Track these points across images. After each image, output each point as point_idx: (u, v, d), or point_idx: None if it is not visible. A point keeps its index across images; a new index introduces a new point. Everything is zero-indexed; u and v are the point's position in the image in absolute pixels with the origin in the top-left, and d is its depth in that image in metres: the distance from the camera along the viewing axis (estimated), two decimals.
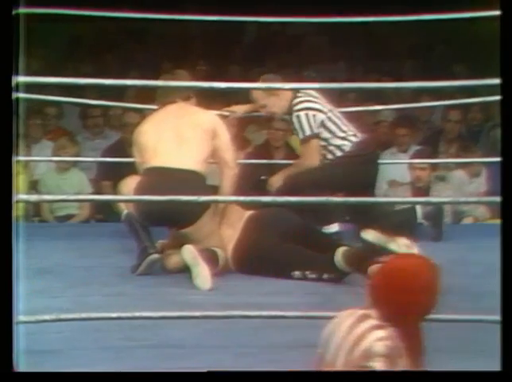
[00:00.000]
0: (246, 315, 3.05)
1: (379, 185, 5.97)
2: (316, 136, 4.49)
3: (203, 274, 3.81)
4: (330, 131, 4.52)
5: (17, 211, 5.62)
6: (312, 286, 3.84)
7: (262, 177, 5.85)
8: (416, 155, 5.77)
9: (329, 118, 4.53)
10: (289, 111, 4.56)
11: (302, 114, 4.48)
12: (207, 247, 3.99)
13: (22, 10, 3.01)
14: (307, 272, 3.92)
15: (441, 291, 2.15)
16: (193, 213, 3.98)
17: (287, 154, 5.79)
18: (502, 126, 2.68)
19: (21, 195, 2.81)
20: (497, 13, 2.74)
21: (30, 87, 3.86)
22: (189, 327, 3.16)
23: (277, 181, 4.58)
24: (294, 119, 4.51)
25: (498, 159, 2.73)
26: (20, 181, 5.62)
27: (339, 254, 3.85)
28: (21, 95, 3.25)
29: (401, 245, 3.72)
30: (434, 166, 5.78)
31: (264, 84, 4.27)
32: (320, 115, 4.50)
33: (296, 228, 4.16)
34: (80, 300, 3.56)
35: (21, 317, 2.79)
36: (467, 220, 5.82)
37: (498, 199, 2.68)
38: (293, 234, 4.11)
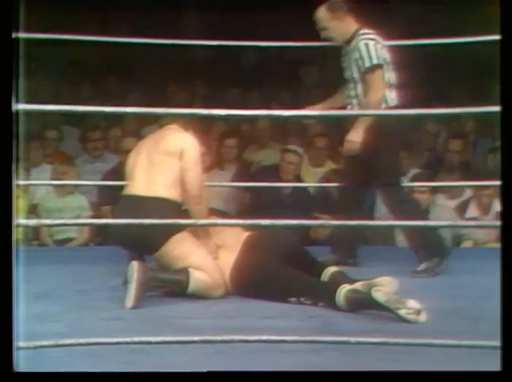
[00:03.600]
0: (245, 339, 3.04)
1: (378, 208, 6.00)
2: (383, 66, 4.45)
3: (128, 292, 3.85)
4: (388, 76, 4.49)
5: (17, 235, 5.64)
6: (311, 310, 3.82)
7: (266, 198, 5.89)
8: (416, 178, 5.78)
9: (388, 64, 4.51)
10: (349, 40, 4.51)
11: (371, 43, 4.44)
12: (179, 268, 4.00)
13: (22, 35, 3.02)
14: (302, 299, 3.89)
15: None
16: (156, 239, 3.98)
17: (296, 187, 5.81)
18: (502, 149, 2.68)
19: (20, 219, 2.80)
20: (496, 37, 2.75)
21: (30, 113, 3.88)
22: (187, 351, 3.15)
23: (357, 135, 4.45)
24: (362, 47, 4.43)
25: (498, 183, 2.73)
26: (19, 204, 5.63)
27: (342, 294, 3.76)
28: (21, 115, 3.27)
29: (411, 310, 3.58)
30: (434, 189, 5.79)
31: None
32: (384, 53, 4.50)
33: (294, 251, 4.16)
34: (79, 324, 3.54)
35: (21, 344, 2.78)
36: (467, 244, 5.83)
37: (498, 223, 2.68)
38: (291, 256, 4.10)
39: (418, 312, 3.59)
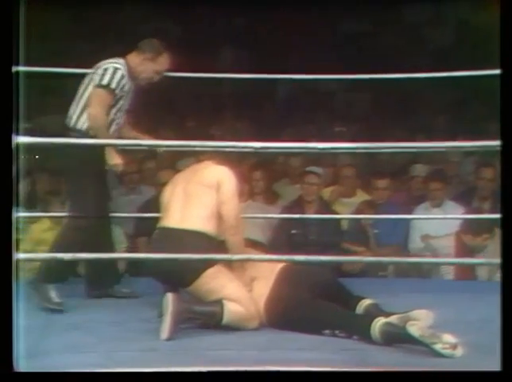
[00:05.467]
0: (279, 371, 3.04)
1: (412, 239, 5.98)
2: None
3: (163, 324, 3.86)
4: None
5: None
6: (344, 343, 3.81)
7: (293, 231, 5.91)
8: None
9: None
10: None
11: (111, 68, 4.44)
12: (211, 300, 4.03)
13: (22, 69, 3.07)
14: (337, 331, 3.88)
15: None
16: (190, 273, 4.02)
17: (319, 209, 5.83)
18: (502, 183, 2.68)
19: (21, 254, 2.81)
20: (497, 71, 2.77)
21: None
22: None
23: None
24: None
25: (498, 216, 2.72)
26: (50, 235, 5.69)
27: (377, 328, 3.74)
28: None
29: (446, 345, 3.54)
30: None
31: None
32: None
33: (328, 283, 4.16)
34: (113, 355, 3.56)
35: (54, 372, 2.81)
36: None
37: (497, 261, 2.68)
38: (325, 289, 4.10)
39: (454, 346, 3.54)
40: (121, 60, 4.48)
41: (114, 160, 4.37)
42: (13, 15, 2.79)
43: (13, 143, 2.69)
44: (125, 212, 5.48)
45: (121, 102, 4.46)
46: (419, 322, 3.62)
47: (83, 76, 4.57)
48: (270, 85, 8.32)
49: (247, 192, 6.02)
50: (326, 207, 6.02)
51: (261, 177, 6.37)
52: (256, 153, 6.37)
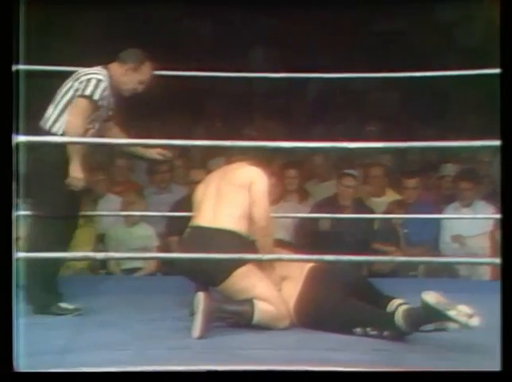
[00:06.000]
0: (310, 371, 3.06)
1: (443, 239, 5.97)
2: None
3: (195, 322, 3.90)
4: None
5: (82, 264, 5.75)
6: (375, 343, 3.82)
7: (324, 231, 5.92)
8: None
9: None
10: None
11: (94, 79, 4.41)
12: (242, 299, 4.06)
13: (22, 67, 3.08)
14: (368, 329, 3.91)
15: None
16: (221, 272, 4.05)
17: (354, 211, 5.83)
18: (502, 183, 2.68)
19: (20, 253, 2.81)
20: (497, 71, 2.76)
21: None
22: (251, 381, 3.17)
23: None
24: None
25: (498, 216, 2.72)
26: (86, 233, 5.76)
27: (400, 314, 3.82)
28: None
29: (461, 313, 3.60)
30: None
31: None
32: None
33: (358, 282, 4.18)
34: (145, 353, 3.59)
35: (83, 369, 2.85)
36: None
37: (497, 260, 2.68)
38: (355, 288, 4.11)
39: (470, 315, 3.58)
40: (104, 71, 4.47)
41: (75, 173, 4.29)
42: (13, 14, 2.79)
43: (13, 142, 2.70)
44: (156, 212, 5.52)
45: (98, 112, 4.46)
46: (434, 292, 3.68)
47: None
48: (301, 85, 8.32)
49: (279, 192, 6.04)
50: (361, 208, 6.02)
51: (293, 177, 6.39)
52: (287, 153, 6.41)
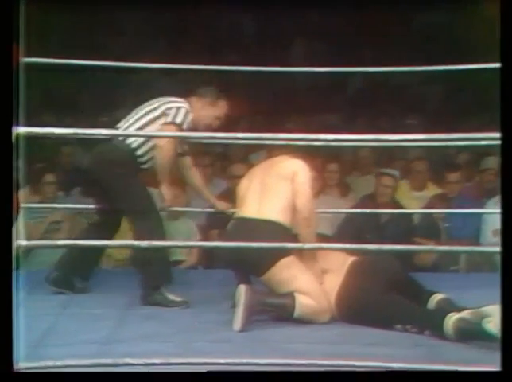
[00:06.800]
0: (350, 365, 3.07)
1: (484, 234, 5.92)
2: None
3: (236, 315, 3.94)
4: None
5: (120, 256, 5.79)
6: (417, 338, 3.82)
7: (364, 227, 5.91)
8: None
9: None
10: None
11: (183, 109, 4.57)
12: (283, 292, 4.08)
13: (25, 60, 3.11)
14: (408, 327, 3.90)
15: None
16: (264, 262, 4.08)
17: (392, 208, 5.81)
18: (502, 179, 2.66)
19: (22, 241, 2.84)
20: (497, 65, 2.74)
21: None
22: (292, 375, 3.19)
23: None
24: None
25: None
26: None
27: (450, 323, 3.74)
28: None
29: None
30: None
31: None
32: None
33: (399, 277, 4.17)
34: (188, 345, 3.63)
35: (128, 360, 2.90)
36: None
37: (497, 249, 2.65)
38: (397, 283, 4.11)
39: None
40: (187, 104, 4.59)
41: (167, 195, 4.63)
42: (13, 8, 2.81)
43: (13, 134, 2.72)
44: (197, 205, 5.55)
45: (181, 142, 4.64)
46: (495, 318, 3.58)
47: (83, 70, 4.62)
48: (343, 78, 8.31)
49: (321, 185, 6.05)
50: (399, 206, 6.00)
51: (334, 170, 6.40)
52: (328, 147, 6.40)
